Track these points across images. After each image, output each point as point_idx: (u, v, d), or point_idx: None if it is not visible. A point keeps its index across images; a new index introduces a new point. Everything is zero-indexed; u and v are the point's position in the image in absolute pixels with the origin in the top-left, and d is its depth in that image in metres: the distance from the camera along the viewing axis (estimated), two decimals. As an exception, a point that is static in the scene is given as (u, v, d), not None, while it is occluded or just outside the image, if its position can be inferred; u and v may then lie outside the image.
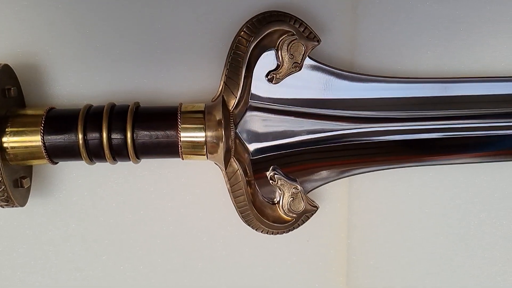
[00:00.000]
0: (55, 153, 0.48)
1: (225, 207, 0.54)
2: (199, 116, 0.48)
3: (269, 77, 0.50)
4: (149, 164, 0.54)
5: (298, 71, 0.50)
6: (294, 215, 0.52)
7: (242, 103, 0.50)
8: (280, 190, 0.51)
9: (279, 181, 0.51)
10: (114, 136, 0.47)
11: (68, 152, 0.48)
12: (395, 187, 0.57)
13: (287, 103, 0.51)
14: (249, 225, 0.52)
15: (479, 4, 0.54)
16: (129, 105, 0.48)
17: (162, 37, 0.53)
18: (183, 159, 0.49)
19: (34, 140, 0.47)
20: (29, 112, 0.49)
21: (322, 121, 0.52)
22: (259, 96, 0.50)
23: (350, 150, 0.53)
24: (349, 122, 0.52)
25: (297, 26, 0.49)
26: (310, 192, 0.53)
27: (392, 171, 0.55)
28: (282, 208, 0.52)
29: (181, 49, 0.53)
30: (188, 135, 0.48)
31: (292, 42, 0.49)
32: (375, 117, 0.52)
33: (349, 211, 0.57)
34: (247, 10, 0.52)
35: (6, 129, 0.47)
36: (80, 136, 0.47)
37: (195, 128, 0.48)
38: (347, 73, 0.51)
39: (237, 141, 0.50)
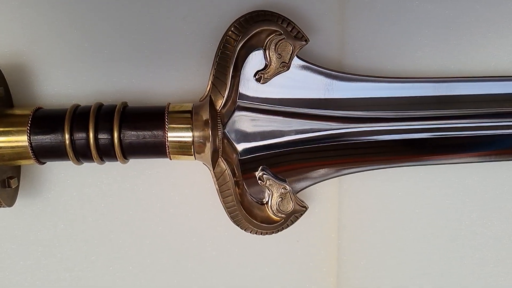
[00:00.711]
0: (42, 153, 0.48)
1: (215, 207, 0.54)
2: (187, 116, 0.48)
3: (257, 76, 0.50)
4: (138, 164, 0.54)
5: (286, 70, 0.50)
6: (283, 216, 0.51)
7: (230, 103, 0.49)
8: (269, 190, 0.51)
9: (267, 181, 0.51)
10: (101, 136, 0.47)
11: (55, 152, 0.47)
12: (386, 187, 0.56)
13: (276, 103, 0.51)
14: (238, 225, 0.51)
15: (469, 3, 0.53)
16: (116, 105, 0.48)
17: (150, 37, 0.52)
18: (171, 159, 0.49)
19: (21, 140, 0.47)
20: (16, 112, 0.49)
21: (311, 121, 0.51)
22: (247, 96, 0.50)
23: (340, 150, 0.52)
24: (338, 122, 0.51)
25: (285, 25, 0.49)
26: (300, 192, 0.53)
27: (382, 171, 0.55)
28: (271, 208, 0.51)
29: (169, 49, 0.53)
30: (176, 135, 0.48)
31: (280, 42, 0.48)
32: (365, 117, 0.52)
33: (339, 211, 0.57)
34: (235, 9, 0.52)
35: (-7, 129, 0.47)
36: (67, 136, 0.46)
37: (183, 128, 0.48)
38: (336, 73, 0.51)
39: (225, 141, 0.50)
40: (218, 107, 0.49)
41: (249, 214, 0.51)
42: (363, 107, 0.52)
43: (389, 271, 0.58)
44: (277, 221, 0.52)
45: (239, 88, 0.50)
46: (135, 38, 0.52)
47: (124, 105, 0.49)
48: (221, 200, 0.51)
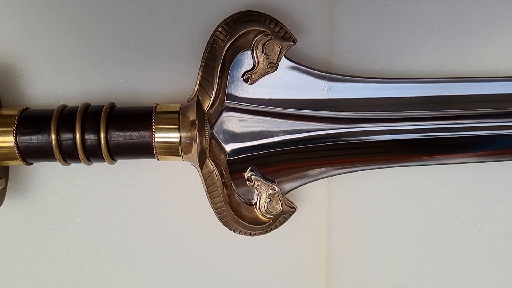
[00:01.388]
0: (29, 154, 0.47)
1: (204, 208, 0.53)
2: (174, 117, 0.48)
3: (244, 77, 0.49)
4: (127, 165, 0.54)
5: (274, 71, 0.49)
6: (271, 216, 0.51)
7: (217, 104, 0.49)
8: (257, 191, 0.51)
9: (256, 182, 0.51)
10: (87, 136, 0.47)
11: (42, 153, 0.47)
12: (375, 188, 0.56)
13: (264, 103, 0.51)
14: (226, 226, 0.51)
15: (459, 3, 0.53)
16: (103, 106, 0.48)
17: (138, 37, 0.52)
18: (158, 159, 0.49)
19: (7, 140, 0.47)
20: (3, 112, 0.48)
21: (300, 122, 0.51)
22: (235, 96, 0.50)
23: (329, 150, 0.52)
24: (327, 122, 0.51)
25: (273, 26, 0.49)
26: (289, 193, 0.53)
27: (372, 172, 0.55)
28: (259, 209, 0.51)
29: (157, 49, 0.53)
30: (163, 135, 0.47)
31: (267, 42, 0.48)
32: (354, 118, 0.52)
33: (329, 212, 0.56)
34: (225, 9, 0.52)
35: (-20, 130, 0.47)
36: (53, 136, 0.46)
37: (170, 128, 0.47)
38: (324, 73, 0.51)
39: (213, 141, 0.50)
40: (205, 108, 0.48)
41: (237, 215, 0.51)
42: (352, 107, 0.52)
43: (378, 272, 0.58)
44: (266, 222, 0.52)
45: (227, 89, 0.50)
46: (124, 39, 0.52)
47: (112, 106, 0.49)
48: (210, 200, 0.50)
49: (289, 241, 0.57)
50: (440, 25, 0.54)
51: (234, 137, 0.50)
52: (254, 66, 0.49)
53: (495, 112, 0.52)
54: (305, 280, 0.57)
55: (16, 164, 0.49)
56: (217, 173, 0.49)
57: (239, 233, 0.52)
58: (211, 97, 0.48)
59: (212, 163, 0.49)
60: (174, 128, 0.47)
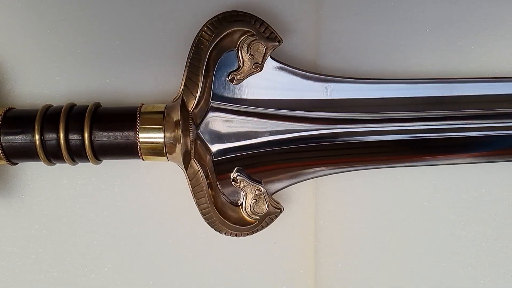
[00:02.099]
0: (13, 154, 0.47)
1: (190, 208, 0.53)
2: (159, 117, 0.48)
3: (230, 77, 0.49)
4: (113, 165, 0.54)
5: (259, 71, 0.49)
6: (257, 217, 0.51)
7: (202, 104, 0.49)
8: (243, 192, 0.51)
9: (241, 182, 0.51)
10: (71, 136, 0.47)
11: (26, 153, 0.47)
12: (363, 189, 0.56)
13: (250, 103, 0.50)
14: (212, 226, 0.51)
15: (444, 3, 0.53)
16: (88, 106, 0.48)
17: (124, 37, 0.52)
18: (143, 160, 0.49)
19: (-9, 140, 0.47)
20: (-12, 112, 0.48)
21: (286, 122, 0.51)
22: (221, 97, 0.50)
23: (315, 151, 0.52)
24: (313, 123, 0.51)
25: (258, 26, 0.48)
26: (276, 194, 0.53)
27: (359, 173, 0.55)
28: (245, 210, 0.51)
29: (144, 49, 0.52)
30: (147, 136, 0.47)
31: (253, 42, 0.48)
32: (339, 118, 0.51)
33: (316, 212, 0.56)
34: (211, 9, 0.52)
35: (-36, 130, 0.46)
36: (37, 136, 0.46)
37: (154, 128, 0.47)
38: (311, 74, 0.51)
39: (198, 142, 0.50)
40: (190, 108, 0.48)
41: (223, 216, 0.51)
42: (338, 108, 0.52)
43: (366, 273, 0.57)
44: (252, 223, 0.51)
45: (213, 89, 0.49)
46: (109, 38, 0.52)
47: (97, 106, 0.49)
48: (195, 201, 0.50)
49: (277, 241, 0.57)
50: (427, 25, 0.53)
51: (220, 137, 0.50)
52: (239, 66, 0.49)
53: (479, 114, 0.52)
54: (292, 281, 0.57)
55: (0, 164, 0.49)
56: (202, 173, 0.49)
57: (225, 233, 0.51)
58: (195, 98, 0.48)
59: (197, 164, 0.49)
60: (159, 129, 0.47)
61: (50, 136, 0.46)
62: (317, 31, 0.53)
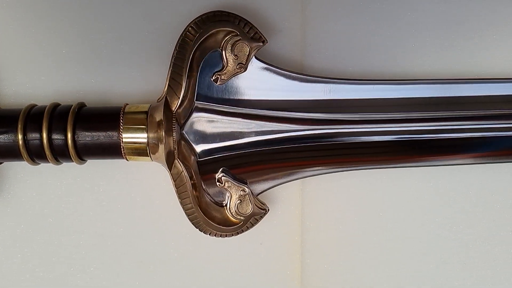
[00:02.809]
0: (-4, 153, 0.47)
1: (176, 208, 0.53)
2: (142, 117, 0.48)
3: (214, 77, 0.49)
4: (98, 164, 0.54)
5: (243, 72, 0.49)
6: (241, 218, 0.51)
7: (186, 104, 0.49)
8: (228, 193, 0.51)
9: (226, 183, 0.51)
10: (54, 136, 0.47)
11: (9, 153, 0.47)
12: (349, 189, 0.56)
13: (235, 104, 0.50)
14: (196, 227, 0.51)
15: (431, 3, 0.53)
16: (72, 105, 0.48)
17: (109, 37, 0.52)
18: (127, 160, 0.49)
19: (-25, 140, 0.47)
20: (-28, 111, 0.48)
21: (271, 123, 0.51)
22: (205, 97, 0.50)
23: (300, 152, 0.52)
24: (298, 123, 0.51)
25: (242, 26, 0.48)
26: (262, 194, 0.52)
27: (345, 173, 0.54)
28: (230, 210, 0.51)
29: (129, 49, 0.52)
30: (130, 136, 0.47)
31: (236, 43, 0.48)
32: (325, 119, 0.51)
33: (302, 213, 0.56)
34: (197, 9, 0.51)
35: None
36: (20, 136, 0.46)
37: (137, 129, 0.47)
38: (296, 74, 0.51)
39: (183, 142, 0.49)
40: (173, 108, 0.48)
41: (207, 216, 0.51)
42: (323, 108, 0.51)
43: (353, 275, 0.57)
44: (236, 223, 0.51)
45: (197, 89, 0.49)
46: (95, 38, 0.52)
47: (81, 106, 0.49)
48: (180, 201, 0.50)
49: (263, 242, 0.56)
50: (414, 26, 0.53)
51: (204, 137, 0.50)
52: (223, 66, 0.49)
53: (469, 115, 0.52)
54: (278, 282, 0.57)
55: (-16, 163, 0.49)
56: (186, 174, 0.49)
57: (209, 234, 0.51)
58: (179, 98, 0.48)
59: (181, 164, 0.49)
60: (142, 129, 0.47)
61: (33, 135, 0.46)
62: (304, 31, 0.53)
